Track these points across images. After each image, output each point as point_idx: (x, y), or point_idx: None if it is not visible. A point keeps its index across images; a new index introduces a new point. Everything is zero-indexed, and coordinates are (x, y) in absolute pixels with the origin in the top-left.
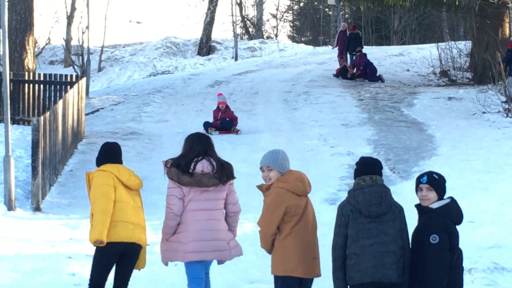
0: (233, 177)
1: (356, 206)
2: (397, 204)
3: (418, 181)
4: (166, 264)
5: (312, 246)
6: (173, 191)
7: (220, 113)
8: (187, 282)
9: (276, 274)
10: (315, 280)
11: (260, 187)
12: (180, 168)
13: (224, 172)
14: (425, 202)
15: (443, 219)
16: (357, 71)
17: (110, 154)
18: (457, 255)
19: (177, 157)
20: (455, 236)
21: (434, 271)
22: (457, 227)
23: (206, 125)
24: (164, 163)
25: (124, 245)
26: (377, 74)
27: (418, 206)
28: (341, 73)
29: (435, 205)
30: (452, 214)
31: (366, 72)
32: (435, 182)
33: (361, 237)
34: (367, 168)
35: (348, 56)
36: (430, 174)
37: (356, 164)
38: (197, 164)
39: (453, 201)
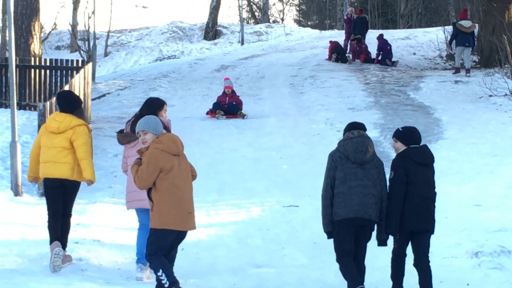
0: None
1: (345, 153)
2: (379, 159)
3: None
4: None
5: (188, 201)
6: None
7: (227, 97)
8: (138, 228)
9: (154, 227)
10: (321, 264)
11: (139, 151)
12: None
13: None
14: (396, 151)
15: (402, 159)
16: (374, 59)
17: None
18: (412, 188)
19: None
20: (415, 173)
21: (389, 202)
22: (466, 209)
23: (216, 106)
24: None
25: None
26: (392, 60)
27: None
28: (337, 53)
29: (400, 151)
30: (412, 156)
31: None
32: (399, 133)
33: (348, 179)
34: (355, 125)
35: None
36: (397, 129)
37: (345, 126)
38: (130, 124)
39: (419, 146)
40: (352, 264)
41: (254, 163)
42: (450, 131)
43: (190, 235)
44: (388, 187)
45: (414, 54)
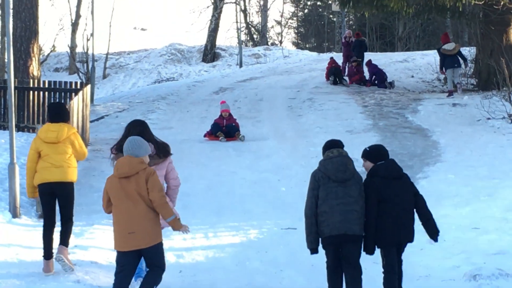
0: (169, 154)
1: (326, 173)
2: (359, 174)
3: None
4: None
5: (128, 222)
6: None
7: (224, 120)
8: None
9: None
10: (319, 286)
11: None
12: (118, 150)
13: (161, 151)
14: (366, 170)
15: (371, 178)
16: (366, 82)
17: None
18: (386, 205)
19: (119, 142)
20: (385, 189)
21: (365, 221)
22: (464, 232)
23: (216, 128)
24: (111, 150)
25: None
26: (388, 81)
27: None
28: (333, 74)
29: (369, 170)
30: (378, 172)
31: (374, 81)
32: (366, 153)
33: (329, 198)
34: (334, 144)
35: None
36: (364, 149)
37: (324, 144)
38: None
39: (386, 162)
40: (338, 281)
41: (253, 185)
42: (448, 154)
43: (188, 258)
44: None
45: (412, 76)
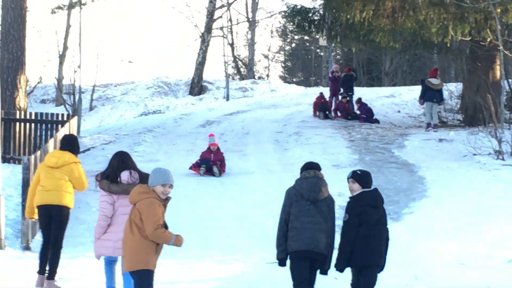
0: None
1: (300, 191)
2: (331, 197)
3: (348, 177)
4: (98, 258)
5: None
6: (105, 198)
7: (212, 154)
8: (104, 265)
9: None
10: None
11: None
12: (109, 179)
13: (144, 182)
14: (351, 192)
15: (356, 203)
16: (360, 118)
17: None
18: (369, 229)
19: (104, 171)
20: (366, 215)
21: (342, 241)
22: (449, 268)
23: (206, 163)
24: (95, 177)
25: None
26: (374, 117)
27: (350, 197)
28: (322, 110)
29: (355, 193)
30: (365, 199)
31: (366, 117)
32: (357, 176)
33: (302, 215)
34: (311, 165)
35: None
36: (355, 171)
37: (302, 166)
38: (121, 175)
39: (371, 190)
40: None
41: (238, 219)
42: (434, 189)
43: (186, 278)
44: (342, 228)
45: (399, 112)
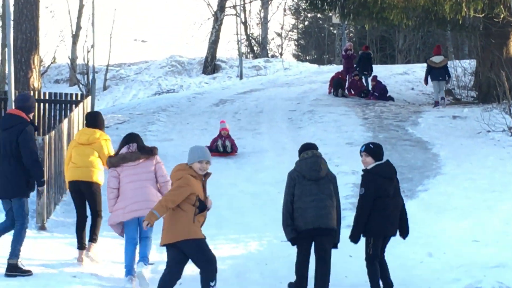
0: (152, 154)
1: (301, 172)
2: (332, 173)
3: (360, 150)
4: (111, 226)
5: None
6: (109, 173)
7: (223, 138)
8: (124, 243)
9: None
10: None
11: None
12: (111, 157)
13: (143, 150)
14: (365, 165)
15: (373, 175)
16: (369, 95)
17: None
18: (386, 201)
19: (116, 152)
20: (383, 188)
21: (357, 213)
22: (464, 245)
23: (216, 149)
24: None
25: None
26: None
27: (363, 170)
28: (337, 86)
29: (369, 167)
30: (381, 172)
31: (378, 95)
32: (371, 150)
33: (304, 195)
34: (308, 146)
35: (363, 77)
36: (367, 145)
37: (300, 147)
38: (121, 149)
39: (384, 162)
40: (305, 271)
41: (252, 197)
42: (448, 167)
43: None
44: (358, 201)
45: (412, 89)
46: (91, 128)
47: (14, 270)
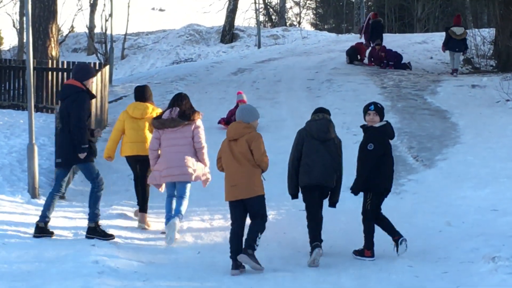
0: (189, 120)
1: (310, 132)
2: (338, 137)
3: (367, 108)
4: (149, 184)
5: (233, 176)
6: (153, 133)
7: None
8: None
9: None
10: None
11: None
12: (154, 118)
13: (183, 117)
14: (372, 123)
15: (381, 134)
16: (384, 65)
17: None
18: (388, 158)
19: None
20: (386, 147)
21: (361, 167)
22: (483, 214)
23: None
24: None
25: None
26: (402, 62)
27: (362, 126)
28: (352, 56)
29: (377, 125)
30: (387, 131)
31: (395, 63)
32: (379, 109)
33: (312, 153)
34: (321, 109)
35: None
36: (375, 104)
37: (314, 110)
38: (164, 112)
39: (388, 123)
40: (317, 227)
41: (271, 166)
42: (467, 136)
43: (206, 239)
44: (365, 155)
45: (431, 58)
46: (143, 102)
47: (91, 233)
